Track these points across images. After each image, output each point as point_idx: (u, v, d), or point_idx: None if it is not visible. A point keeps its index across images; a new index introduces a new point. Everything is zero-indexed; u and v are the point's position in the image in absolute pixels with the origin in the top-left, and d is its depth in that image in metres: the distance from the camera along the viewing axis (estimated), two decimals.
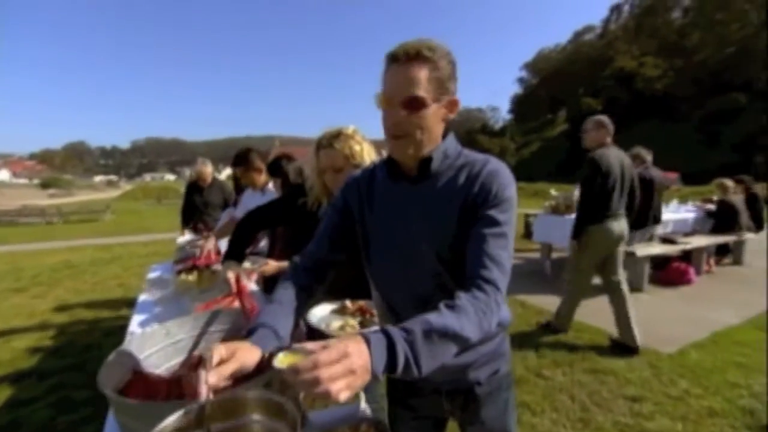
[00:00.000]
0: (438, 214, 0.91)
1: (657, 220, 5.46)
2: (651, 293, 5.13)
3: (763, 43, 33.10)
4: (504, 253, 0.83)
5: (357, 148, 1.56)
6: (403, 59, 0.84)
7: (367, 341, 0.62)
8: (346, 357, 0.57)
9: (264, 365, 0.75)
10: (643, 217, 5.32)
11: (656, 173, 5.33)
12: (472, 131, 59.32)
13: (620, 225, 3.48)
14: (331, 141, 1.58)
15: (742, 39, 36.58)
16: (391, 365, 0.63)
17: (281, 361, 0.62)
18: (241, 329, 1.20)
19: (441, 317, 0.70)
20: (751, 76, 34.47)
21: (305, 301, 0.96)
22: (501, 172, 0.90)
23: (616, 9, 55.26)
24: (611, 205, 3.40)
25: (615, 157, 3.43)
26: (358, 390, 0.58)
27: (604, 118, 3.51)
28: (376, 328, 1.39)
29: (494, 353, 1.05)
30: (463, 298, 0.76)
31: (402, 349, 0.64)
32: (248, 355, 0.72)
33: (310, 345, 0.60)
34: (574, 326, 3.95)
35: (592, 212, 3.41)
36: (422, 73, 0.84)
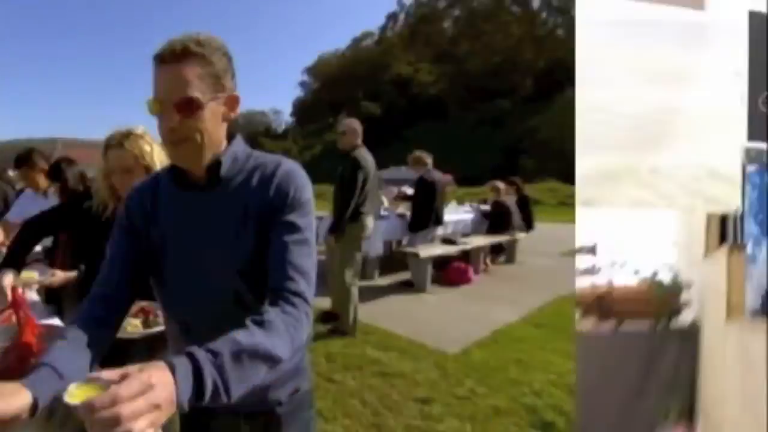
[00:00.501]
0: (233, 223, 0.91)
1: (438, 221, 6.16)
2: (434, 293, 5.81)
3: (525, 53, 41.64)
4: (308, 261, 0.87)
5: (147, 148, 1.63)
6: (170, 58, 0.83)
7: (172, 369, 0.59)
8: (150, 389, 0.54)
9: (37, 411, 0.71)
10: (425, 218, 5.92)
11: (437, 176, 5.96)
12: (255, 134, 59.05)
13: (371, 222, 4.05)
14: (121, 140, 1.64)
15: (507, 49, 45.62)
16: (199, 393, 0.61)
17: (73, 395, 0.56)
18: (17, 346, 1.18)
19: (250, 336, 0.70)
20: (515, 84, 43.25)
21: (104, 334, 0.89)
22: (296, 173, 0.94)
23: (392, 17, 62.53)
24: (367, 202, 3.93)
25: (369, 158, 4.01)
26: (160, 425, 0.56)
27: (356, 122, 4.13)
28: (162, 326, 1.37)
29: (295, 370, 1.07)
30: (271, 312, 0.77)
31: (210, 374, 0.62)
32: (9, 399, 0.64)
33: (106, 374, 0.57)
34: (363, 329, 4.16)
35: (352, 209, 3.82)
36: (193, 72, 0.83)
